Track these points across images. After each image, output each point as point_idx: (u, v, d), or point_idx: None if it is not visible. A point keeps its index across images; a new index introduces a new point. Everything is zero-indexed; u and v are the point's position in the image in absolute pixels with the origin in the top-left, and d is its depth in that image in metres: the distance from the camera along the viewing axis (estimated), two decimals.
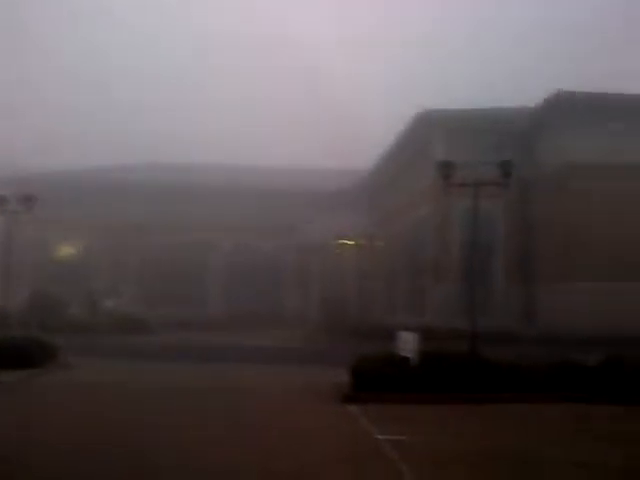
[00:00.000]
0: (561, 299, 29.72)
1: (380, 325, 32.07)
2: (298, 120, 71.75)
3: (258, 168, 50.56)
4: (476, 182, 17.25)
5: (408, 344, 12.55)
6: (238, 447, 7.94)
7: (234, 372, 16.34)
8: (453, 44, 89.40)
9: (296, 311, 46.14)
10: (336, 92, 70.91)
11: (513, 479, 6.78)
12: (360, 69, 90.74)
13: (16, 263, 29.60)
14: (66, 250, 49.64)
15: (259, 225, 46.84)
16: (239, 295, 46.77)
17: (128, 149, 56.17)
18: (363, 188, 47.90)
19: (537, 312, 32.06)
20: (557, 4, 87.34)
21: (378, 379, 11.49)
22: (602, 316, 26.54)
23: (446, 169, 17.35)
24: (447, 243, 33.72)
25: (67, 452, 7.44)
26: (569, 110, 31.90)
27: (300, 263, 48.12)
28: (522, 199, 34.07)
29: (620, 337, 19.82)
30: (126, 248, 47.59)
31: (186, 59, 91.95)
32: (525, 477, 6.89)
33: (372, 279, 45.50)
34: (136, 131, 63.37)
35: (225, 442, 8.24)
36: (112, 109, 74.07)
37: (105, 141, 63.00)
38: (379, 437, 8.38)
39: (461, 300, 29.36)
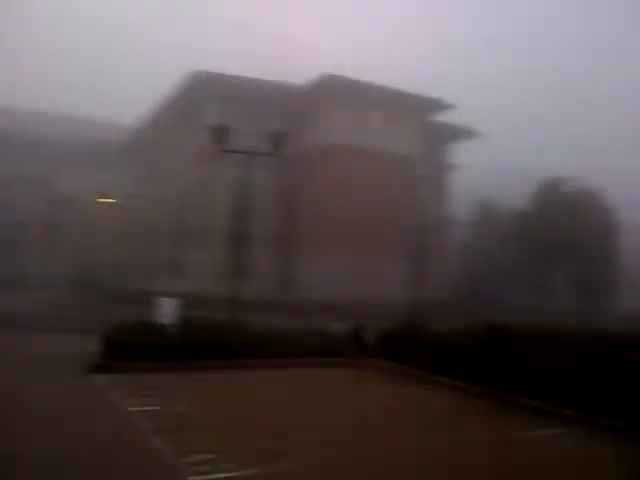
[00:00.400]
0: (318, 270, 31.83)
1: (138, 290, 30.77)
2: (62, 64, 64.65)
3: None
4: (247, 150, 17.25)
5: (167, 310, 12.13)
6: None
7: None
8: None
9: (44, 272, 41.99)
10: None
11: (244, 445, 6.86)
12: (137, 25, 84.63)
13: None
14: None
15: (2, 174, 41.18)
16: None
17: None
18: (129, 144, 45.21)
19: (296, 281, 33.89)
20: None
21: (133, 347, 10.85)
22: (352, 287, 29.23)
23: (217, 134, 17.01)
24: (213, 209, 33.58)
25: None
26: (333, 93, 33.91)
27: (51, 219, 43.60)
28: (288, 172, 35.45)
29: (366, 306, 21.97)
30: None
31: None
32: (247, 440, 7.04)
33: (132, 241, 43.36)
34: None
35: None
36: None
37: None
38: (130, 409, 7.89)
39: (225, 267, 29.59)
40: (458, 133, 41.28)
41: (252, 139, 19.00)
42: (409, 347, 12.05)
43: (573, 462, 6.57)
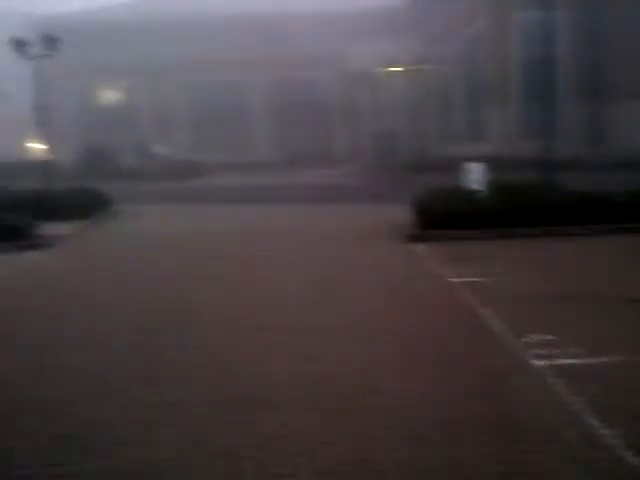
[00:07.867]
0: (632, 119, 27.38)
1: (436, 157, 30.88)
2: None
3: None
4: None
5: (475, 176, 11.63)
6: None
7: (293, 212, 16.17)
8: None
9: (347, 147, 44.82)
10: None
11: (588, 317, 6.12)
12: None
13: (56, 113, 28.85)
14: (108, 96, 48.70)
15: (297, 55, 43.33)
16: (286, 134, 45.51)
17: None
18: (409, 8, 43.69)
19: (606, 134, 29.87)
20: None
21: (445, 215, 10.70)
22: None
23: None
24: (506, 61, 30.90)
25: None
26: None
27: (347, 94, 45.52)
28: (589, 8, 30.21)
29: None
30: (164, 91, 46.09)
31: None
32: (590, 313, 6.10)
33: (424, 107, 43.12)
34: None
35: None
36: None
37: None
38: (453, 280, 7.78)
39: (523, 125, 27.58)
40: None
41: None
42: None
43: None
